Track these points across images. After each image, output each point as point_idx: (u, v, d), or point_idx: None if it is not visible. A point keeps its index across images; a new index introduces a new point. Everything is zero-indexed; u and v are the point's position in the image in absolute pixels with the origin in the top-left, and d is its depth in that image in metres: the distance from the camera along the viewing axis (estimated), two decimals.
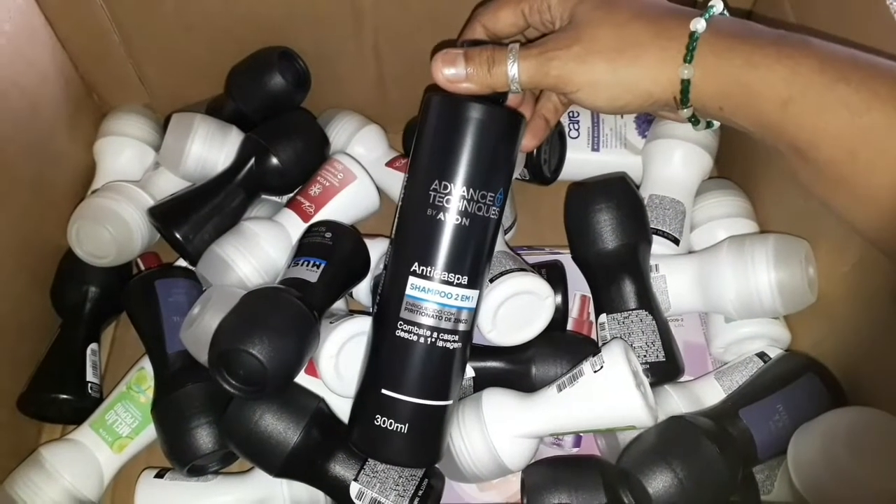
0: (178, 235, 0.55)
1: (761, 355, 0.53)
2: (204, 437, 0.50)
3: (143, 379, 0.55)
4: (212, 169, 0.60)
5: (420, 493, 0.47)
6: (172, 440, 0.51)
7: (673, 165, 0.60)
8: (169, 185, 0.61)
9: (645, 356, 0.51)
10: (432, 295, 0.44)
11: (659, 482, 0.44)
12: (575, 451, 0.54)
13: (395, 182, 0.62)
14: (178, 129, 0.59)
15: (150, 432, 0.54)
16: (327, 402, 0.50)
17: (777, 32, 0.39)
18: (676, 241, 0.57)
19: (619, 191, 0.54)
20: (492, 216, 0.45)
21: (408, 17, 0.61)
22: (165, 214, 0.57)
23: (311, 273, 0.50)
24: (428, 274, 0.44)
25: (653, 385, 0.49)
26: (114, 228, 0.57)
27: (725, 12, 0.42)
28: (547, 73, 0.43)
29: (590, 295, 0.57)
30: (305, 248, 0.53)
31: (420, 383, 0.45)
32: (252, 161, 0.58)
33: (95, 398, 0.57)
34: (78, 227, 0.57)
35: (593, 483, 0.45)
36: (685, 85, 0.40)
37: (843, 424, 0.42)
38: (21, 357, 0.56)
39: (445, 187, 0.44)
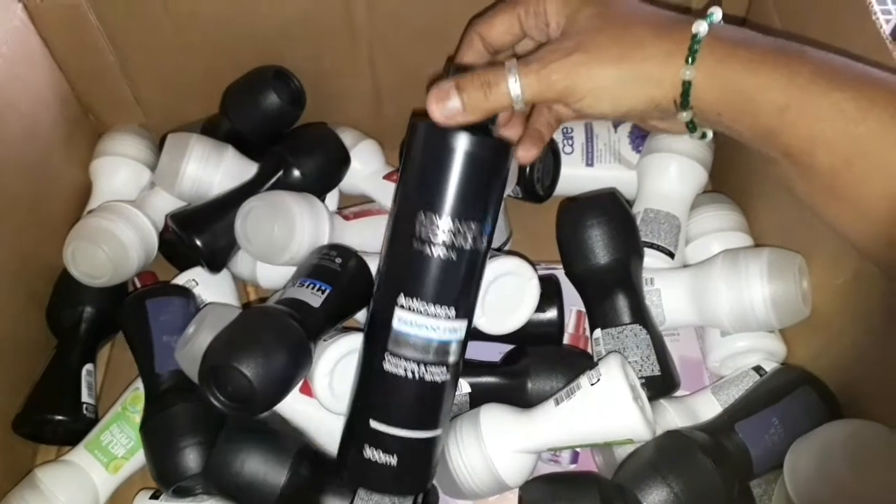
0: (198, 242, 0.55)
1: (757, 369, 0.53)
2: (191, 458, 0.49)
3: (138, 399, 0.55)
4: (207, 189, 0.59)
5: None
6: (159, 460, 0.50)
7: (668, 179, 0.60)
8: (164, 204, 0.61)
9: (640, 370, 0.51)
10: (419, 329, 0.44)
11: (655, 497, 0.44)
12: (572, 467, 0.54)
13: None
14: (173, 150, 0.59)
15: None
16: (311, 441, 0.50)
17: (776, 41, 0.40)
18: (671, 255, 0.57)
19: (609, 206, 0.54)
20: (480, 248, 0.45)
21: (402, 32, 0.61)
22: (185, 221, 0.57)
23: (314, 297, 0.50)
24: (414, 307, 0.44)
25: (648, 399, 0.49)
26: (109, 248, 0.56)
27: (722, 23, 0.42)
28: (551, 85, 0.42)
29: None
30: (313, 271, 0.52)
31: (408, 416, 0.45)
32: (279, 174, 0.58)
33: (90, 419, 0.56)
34: (73, 247, 0.57)
35: (590, 499, 0.45)
36: (686, 87, 0.40)
37: (839, 437, 0.42)
38: (17, 377, 0.56)
39: (432, 220, 0.43)
